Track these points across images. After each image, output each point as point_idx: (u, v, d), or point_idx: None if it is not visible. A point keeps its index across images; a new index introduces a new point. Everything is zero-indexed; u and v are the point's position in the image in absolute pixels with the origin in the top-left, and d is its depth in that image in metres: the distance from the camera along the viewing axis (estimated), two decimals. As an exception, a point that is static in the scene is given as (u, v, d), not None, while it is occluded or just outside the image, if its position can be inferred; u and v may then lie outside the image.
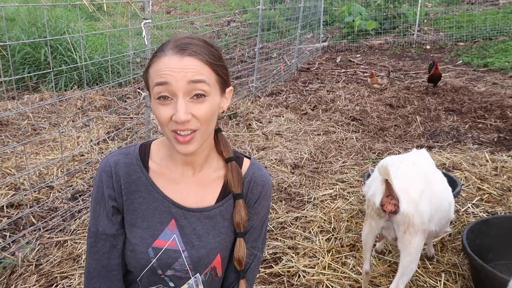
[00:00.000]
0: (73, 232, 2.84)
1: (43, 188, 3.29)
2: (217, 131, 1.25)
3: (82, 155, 3.96)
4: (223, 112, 1.19)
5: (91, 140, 4.23)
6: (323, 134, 4.61)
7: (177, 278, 1.21)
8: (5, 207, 3.01)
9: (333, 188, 3.42)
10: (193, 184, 1.22)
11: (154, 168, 1.21)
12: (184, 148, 1.08)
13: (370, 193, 2.06)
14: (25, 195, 3.07)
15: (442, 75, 6.21)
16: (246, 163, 1.28)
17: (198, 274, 1.22)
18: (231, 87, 1.19)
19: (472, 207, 3.06)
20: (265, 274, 2.46)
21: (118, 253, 1.22)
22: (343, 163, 3.91)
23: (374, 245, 2.40)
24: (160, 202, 1.19)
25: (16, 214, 2.93)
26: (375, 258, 2.61)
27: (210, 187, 1.23)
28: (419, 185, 2.00)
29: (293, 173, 3.70)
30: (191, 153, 1.11)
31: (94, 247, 1.21)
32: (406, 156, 2.33)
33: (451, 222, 2.80)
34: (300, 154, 4.04)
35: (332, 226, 2.91)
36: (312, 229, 2.87)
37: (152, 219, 1.19)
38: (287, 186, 3.47)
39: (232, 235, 1.25)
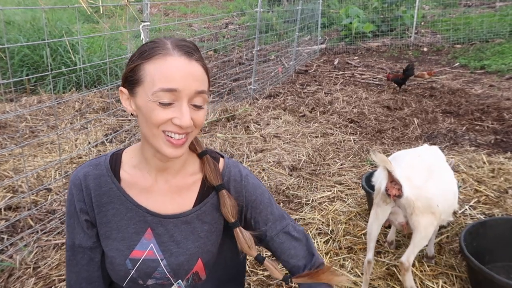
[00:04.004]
0: (71, 234, 2.84)
1: (41, 190, 3.28)
2: None
3: (80, 158, 3.95)
4: None
5: (89, 143, 4.23)
6: (321, 136, 4.62)
7: (160, 285, 1.19)
8: (2, 210, 3.00)
9: (331, 190, 3.43)
10: (168, 191, 1.19)
11: (125, 178, 1.18)
12: (174, 152, 1.06)
13: (378, 182, 2.14)
14: (23, 197, 3.07)
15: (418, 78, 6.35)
16: (220, 163, 1.25)
17: (180, 280, 1.19)
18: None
19: (469, 209, 3.08)
20: (263, 276, 2.46)
21: (97, 265, 1.19)
22: (341, 165, 3.92)
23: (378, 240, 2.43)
24: (134, 212, 1.16)
25: (14, 217, 2.92)
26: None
27: (186, 192, 1.20)
28: (422, 173, 2.08)
29: (291, 175, 3.71)
30: (178, 157, 1.09)
31: (72, 260, 1.19)
32: (415, 149, 2.44)
33: (449, 224, 2.83)
34: (298, 156, 4.04)
35: (330, 229, 2.91)
36: (310, 232, 2.88)
37: (127, 229, 1.16)
38: (285, 188, 3.47)
39: (215, 239, 1.22)
